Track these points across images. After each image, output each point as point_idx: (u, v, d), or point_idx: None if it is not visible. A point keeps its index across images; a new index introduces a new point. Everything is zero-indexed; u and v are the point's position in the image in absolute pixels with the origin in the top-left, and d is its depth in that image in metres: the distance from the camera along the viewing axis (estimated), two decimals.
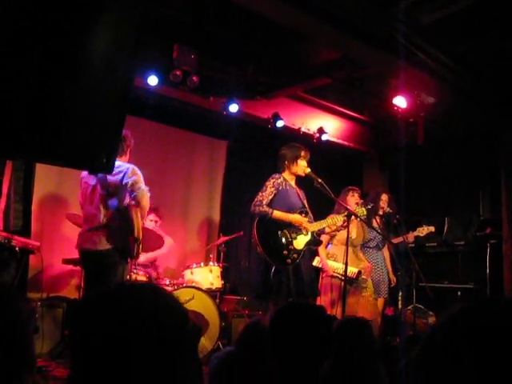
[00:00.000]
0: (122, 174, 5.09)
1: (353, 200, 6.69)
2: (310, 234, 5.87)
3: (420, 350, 1.05)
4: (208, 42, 7.05)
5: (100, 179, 5.11)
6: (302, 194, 6.13)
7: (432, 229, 7.28)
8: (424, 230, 7.24)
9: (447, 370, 0.99)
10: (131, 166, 5.17)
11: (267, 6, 5.73)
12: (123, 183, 5.08)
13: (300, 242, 5.81)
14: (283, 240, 5.72)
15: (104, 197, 5.12)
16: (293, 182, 6.06)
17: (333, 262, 6.60)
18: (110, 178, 5.08)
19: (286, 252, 5.68)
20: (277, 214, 5.73)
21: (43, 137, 2.19)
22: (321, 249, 6.64)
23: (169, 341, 1.26)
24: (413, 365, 1.07)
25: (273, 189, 5.86)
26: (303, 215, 5.89)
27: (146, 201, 5.16)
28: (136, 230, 5.07)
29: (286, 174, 6.03)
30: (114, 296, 1.33)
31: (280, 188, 5.90)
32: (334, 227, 6.29)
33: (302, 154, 5.99)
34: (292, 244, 5.74)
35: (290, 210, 5.84)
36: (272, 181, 5.92)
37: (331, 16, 5.78)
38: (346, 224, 5.98)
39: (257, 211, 5.75)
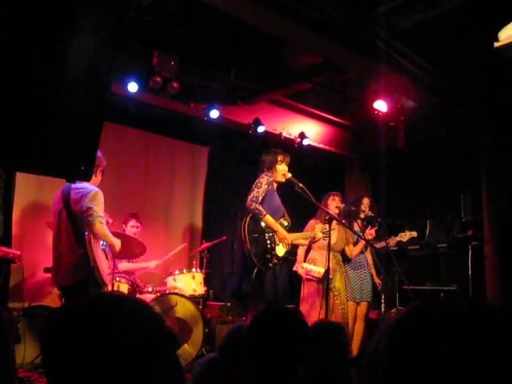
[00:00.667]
0: (83, 197, 5.00)
1: (333, 204, 6.74)
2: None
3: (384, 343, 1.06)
4: (188, 48, 7.04)
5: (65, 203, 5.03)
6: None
7: (414, 234, 7.32)
8: (406, 236, 7.27)
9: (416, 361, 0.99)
10: (94, 190, 5.05)
11: (247, 11, 5.73)
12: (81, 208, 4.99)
13: (281, 249, 5.86)
14: (268, 244, 5.74)
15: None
16: (274, 186, 6.08)
17: (308, 264, 6.62)
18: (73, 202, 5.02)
19: (269, 256, 5.71)
20: (268, 219, 5.75)
21: (21, 145, 2.17)
22: (300, 251, 6.68)
23: (148, 347, 1.25)
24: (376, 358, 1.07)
25: (266, 186, 5.89)
26: (285, 224, 5.92)
27: (97, 229, 4.98)
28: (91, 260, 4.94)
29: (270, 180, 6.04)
30: (92, 304, 1.32)
31: (270, 188, 5.92)
32: (309, 239, 6.36)
33: (279, 158, 6.01)
34: (274, 250, 5.77)
35: (274, 213, 5.85)
36: (266, 178, 5.95)
37: (311, 21, 5.79)
38: (318, 239, 6.09)
39: (253, 207, 5.76)
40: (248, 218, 5.79)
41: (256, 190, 5.85)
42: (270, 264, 5.70)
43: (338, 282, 6.56)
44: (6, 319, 1.73)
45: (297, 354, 2.39)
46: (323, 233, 6.27)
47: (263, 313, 2.61)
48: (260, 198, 5.78)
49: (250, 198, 5.82)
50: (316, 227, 6.42)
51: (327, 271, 5.89)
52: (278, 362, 2.38)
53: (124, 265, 7.21)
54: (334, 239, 6.53)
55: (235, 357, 2.92)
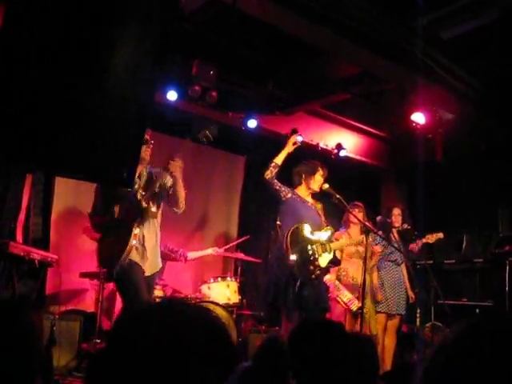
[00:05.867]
0: None
1: (360, 216, 6.67)
2: (332, 252, 5.90)
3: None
4: (227, 57, 7.08)
5: None
6: (320, 209, 6.14)
7: (440, 235, 7.17)
8: (432, 237, 7.15)
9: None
10: None
11: (287, 21, 5.76)
12: None
13: (324, 259, 5.83)
14: (311, 255, 5.72)
15: None
16: (309, 198, 6.07)
17: (343, 290, 6.58)
18: None
19: (312, 267, 5.69)
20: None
21: (64, 150, 2.20)
22: (332, 271, 6.67)
23: (213, 359, 1.24)
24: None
25: (283, 188, 5.99)
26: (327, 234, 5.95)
27: None
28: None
29: (301, 190, 6.06)
30: (165, 309, 1.32)
31: (291, 196, 5.98)
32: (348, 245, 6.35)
33: (320, 169, 6.01)
34: (318, 260, 5.75)
35: (300, 223, 5.84)
36: (284, 188, 6.04)
37: (351, 31, 5.79)
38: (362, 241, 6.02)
39: (274, 187, 5.94)
40: (289, 233, 5.77)
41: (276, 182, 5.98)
42: (313, 275, 5.69)
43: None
44: (36, 323, 1.76)
45: (337, 367, 2.38)
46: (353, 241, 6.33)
47: (305, 324, 2.60)
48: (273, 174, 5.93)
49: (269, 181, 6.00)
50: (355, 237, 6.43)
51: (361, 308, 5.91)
52: (319, 374, 2.37)
53: (192, 254, 7.35)
54: (361, 247, 6.50)
55: (270, 367, 2.91)
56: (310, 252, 5.74)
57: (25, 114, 2.07)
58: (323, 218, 6.10)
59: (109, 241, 5.00)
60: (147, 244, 4.98)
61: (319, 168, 6.03)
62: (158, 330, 1.22)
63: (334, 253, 5.95)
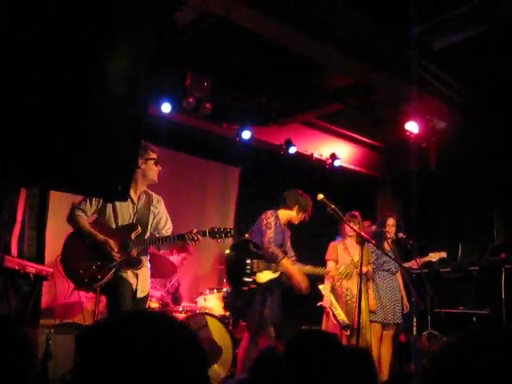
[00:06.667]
0: None
1: (356, 227, 6.69)
2: (278, 273, 5.94)
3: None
4: (221, 69, 7.11)
5: None
6: (287, 234, 6.30)
7: (444, 254, 7.20)
8: (436, 256, 7.15)
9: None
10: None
11: (280, 33, 5.78)
12: None
13: (264, 276, 5.90)
14: (248, 268, 5.85)
15: None
16: (282, 222, 6.12)
17: (338, 309, 6.61)
18: None
19: (245, 279, 5.78)
20: (285, 263, 5.92)
21: (58, 164, 2.20)
22: (327, 279, 6.69)
23: (177, 361, 1.27)
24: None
25: (274, 223, 6.05)
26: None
27: None
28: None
29: (282, 213, 6.15)
30: (124, 320, 1.35)
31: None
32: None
33: (310, 210, 6.15)
34: (255, 275, 5.81)
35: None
36: (272, 218, 6.08)
37: (344, 42, 5.83)
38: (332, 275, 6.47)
39: (271, 250, 5.91)
40: (233, 244, 6.00)
41: (268, 231, 5.98)
42: (245, 287, 5.79)
43: (363, 303, 6.53)
44: (30, 337, 1.76)
45: (334, 378, 2.38)
46: (339, 273, 6.38)
47: (301, 336, 2.60)
48: (274, 239, 5.91)
49: (266, 240, 5.95)
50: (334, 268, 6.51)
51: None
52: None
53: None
54: (356, 257, 6.54)
55: (266, 379, 2.91)
56: (248, 265, 5.86)
57: (17, 129, 2.07)
58: (288, 244, 6.26)
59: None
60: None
61: (309, 207, 6.15)
62: (119, 341, 1.25)
63: (282, 274, 5.98)
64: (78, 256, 4.83)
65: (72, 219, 4.88)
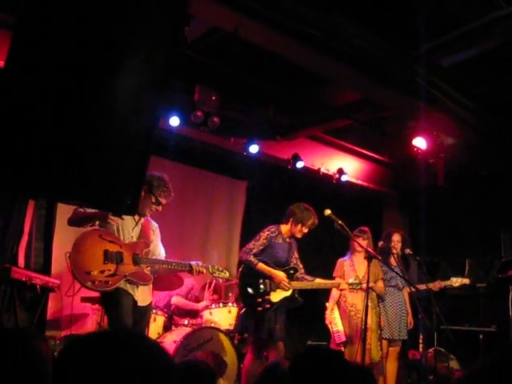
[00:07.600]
0: None
1: (364, 244, 6.67)
2: (291, 291, 5.93)
3: None
4: (229, 83, 7.14)
5: None
6: (294, 246, 6.24)
7: (467, 281, 6.99)
8: (458, 282, 6.99)
9: None
10: None
11: (288, 48, 5.81)
12: None
13: (277, 295, 5.91)
14: (261, 288, 5.86)
15: None
16: (286, 236, 6.10)
17: (338, 320, 6.61)
18: None
19: (260, 300, 5.79)
20: (261, 266, 5.89)
21: (66, 177, 2.21)
22: (334, 291, 6.68)
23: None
24: None
25: (265, 241, 6.02)
26: (288, 272, 6.01)
27: None
28: None
29: (284, 227, 6.13)
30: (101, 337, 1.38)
31: (272, 241, 6.04)
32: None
33: (309, 223, 6.04)
34: (269, 294, 5.83)
35: (276, 264, 5.96)
36: (266, 233, 6.06)
37: (352, 58, 5.84)
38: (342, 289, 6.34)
39: (244, 258, 5.94)
40: (243, 266, 6.00)
41: (253, 242, 6.02)
42: (259, 307, 5.77)
43: (369, 319, 6.50)
44: (44, 349, 1.77)
45: None
46: (350, 284, 6.31)
47: (307, 352, 2.60)
48: (254, 251, 5.92)
49: (243, 249, 6.04)
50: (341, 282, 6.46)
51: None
52: None
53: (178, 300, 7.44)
54: (361, 273, 6.57)
55: None
56: (261, 285, 5.88)
57: (26, 141, 2.09)
58: (295, 258, 6.22)
59: None
60: None
61: (310, 221, 6.06)
62: (95, 357, 1.27)
63: (294, 292, 5.98)
64: (94, 258, 4.81)
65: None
